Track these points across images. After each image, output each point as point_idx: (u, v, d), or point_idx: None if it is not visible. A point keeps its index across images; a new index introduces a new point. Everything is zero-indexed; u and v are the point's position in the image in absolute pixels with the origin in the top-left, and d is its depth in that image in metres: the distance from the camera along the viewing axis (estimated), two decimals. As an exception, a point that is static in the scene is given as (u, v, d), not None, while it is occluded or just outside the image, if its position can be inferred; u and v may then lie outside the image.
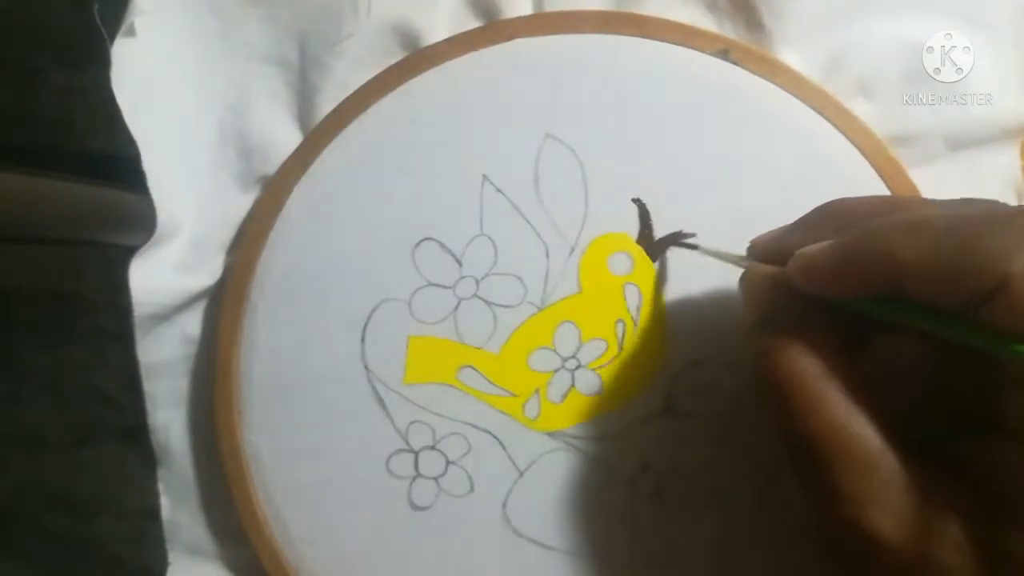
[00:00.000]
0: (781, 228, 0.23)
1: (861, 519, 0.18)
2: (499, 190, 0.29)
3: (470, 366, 0.29)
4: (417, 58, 0.30)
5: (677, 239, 0.28)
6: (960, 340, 0.18)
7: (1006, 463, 0.18)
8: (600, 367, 0.28)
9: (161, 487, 0.33)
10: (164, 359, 0.32)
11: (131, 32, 0.30)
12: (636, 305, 0.28)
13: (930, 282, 0.17)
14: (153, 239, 0.29)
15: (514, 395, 0.29)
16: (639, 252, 0.28)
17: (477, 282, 0.29)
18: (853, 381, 0.20)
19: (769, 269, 0.22)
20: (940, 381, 0.21)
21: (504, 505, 0.29)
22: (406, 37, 0.30)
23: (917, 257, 0.17)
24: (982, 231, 0.17)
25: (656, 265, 0.28)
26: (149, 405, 0.32)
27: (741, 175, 0.27)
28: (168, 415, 0.32)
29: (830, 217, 0.22)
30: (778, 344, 0.20)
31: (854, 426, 0.19)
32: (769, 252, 0.23)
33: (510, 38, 0.29)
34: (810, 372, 0.19)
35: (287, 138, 0.31)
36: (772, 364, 0.20)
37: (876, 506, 0.18)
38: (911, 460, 0.19)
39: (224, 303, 0.31)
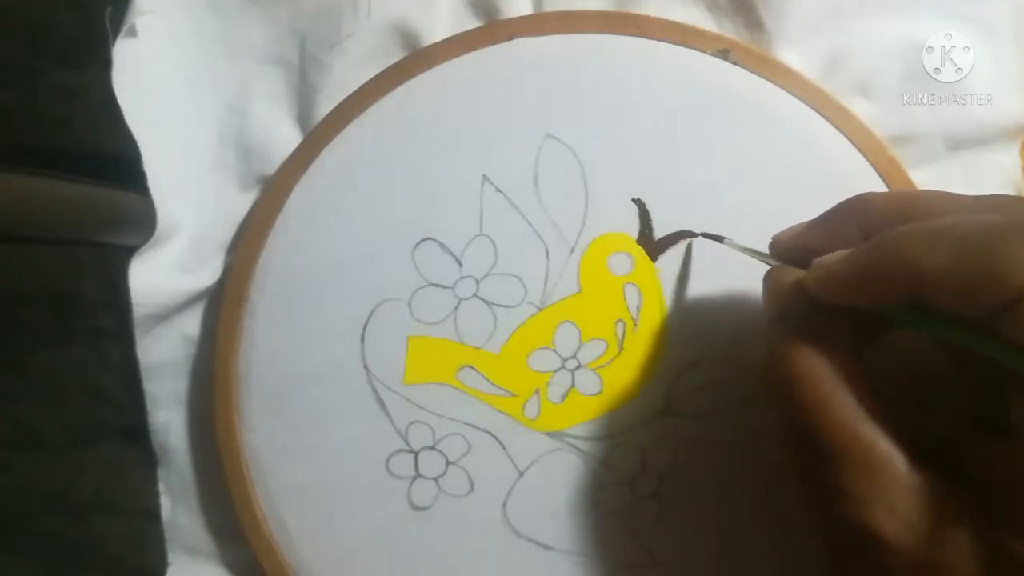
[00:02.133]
0: (803, 224, 0.23)
1: (866, 519, 0.18)
2: (499, 190, 0.29)
3: (470, 366, 0.29)
4: (417, 58, 0.30)
5: (677, 239, 0.28)
6: (977, 350, 0.18)
7: (1014, 468, 0.18)
8: (600, 367, 0.28)
9: (161, 487, 0.33)
10: (164, 359, 0.32)
11: (132, 33, 0.30)
12: (636, 305, 0.28)
13: (951, 292, 0.17)
14: (153, 239, 0.29)
15: (514, 395, 0.29)
16: (639, 252, 0.28)
17: (477, 282, 0.29)
18: (862, 382, 0.19)
19: (796, 271, 0.22)
20: (950, 383, 0.21)
21: (504, 505, 0.29)
22: (406, 37, 0.30)
23: (938, 268, 0.17)
24: (1004, 240, 0.16)
25: (657, 265, 0.28)
26: (149, 405, 0.32)
27: (741, 175, 0.27)
28: (168, 415, 0.32)
29: (853, 214, 0.22)
30: (791, 341, 0.20)
31: (861, 427, 0.19)
32: (791, 249, 0.23)
33: (510, 38, 0.29)
34: (820, 371, 0.19)
35: (287, 138, 0.31)
36: (783, 361, 0.20)
37: (881, 506, 0.18)
38: (918, 462, 0.19)
39: (224, 303, 0.31)
